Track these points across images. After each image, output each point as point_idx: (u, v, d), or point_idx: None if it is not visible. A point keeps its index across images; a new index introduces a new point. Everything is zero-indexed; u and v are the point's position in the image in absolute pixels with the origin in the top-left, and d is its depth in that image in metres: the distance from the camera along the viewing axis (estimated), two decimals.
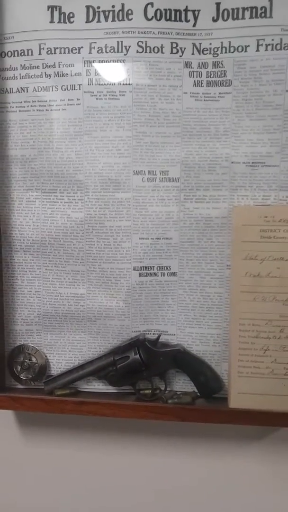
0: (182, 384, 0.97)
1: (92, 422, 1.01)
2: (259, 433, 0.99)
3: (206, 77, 0.89)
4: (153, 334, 0.97)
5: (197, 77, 0.89)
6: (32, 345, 0.99)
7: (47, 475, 1.06)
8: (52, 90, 0.91)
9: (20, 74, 0.92)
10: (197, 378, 0.94)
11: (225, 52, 0.88)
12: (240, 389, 0.91)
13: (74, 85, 0.90)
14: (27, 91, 0.92)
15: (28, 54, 0.91)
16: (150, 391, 0.96)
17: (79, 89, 0.90)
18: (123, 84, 0.89)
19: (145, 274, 0.95)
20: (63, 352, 0.99)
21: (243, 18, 0.86)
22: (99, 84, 0.90)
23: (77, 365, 0.97)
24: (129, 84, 0.89)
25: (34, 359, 0.99)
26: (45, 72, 0.91)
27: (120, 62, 0.89)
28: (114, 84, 0.90)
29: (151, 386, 0.96)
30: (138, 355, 0.93)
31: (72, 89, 0.91)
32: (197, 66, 0.89)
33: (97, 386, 0.99)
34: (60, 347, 0.99)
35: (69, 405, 0.95)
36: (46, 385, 0.97)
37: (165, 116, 0.90)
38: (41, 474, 1.06)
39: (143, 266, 0.95)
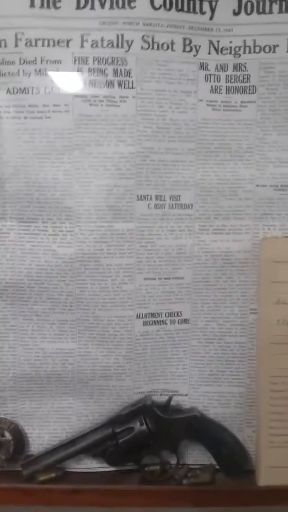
0: (196, 456, 0.79)
1: None
2: None
3: (226, 82, 0.73)
4: (160, 395, 0.78)
5: (214, 81, 0.73)
6: (4, 416, 0.78)
7: None
8: (32, 93, 0.71)
9: None
10: (218, 450, 0.76)
11: (249, 53, 0.72)
12: (273, 462, 0.74)
13: (61, 87, 0.71)
14: None
15: (0, 46, 0.71)
16: (158, 467, 0.77)
17: (68, 92, 0.72)
18: (124, 87, 0.71)
19: (151, 322, 0.77)
20: (46, 423, 0.78)
21: (270, 12, 0.71)
22: (94, 87, 0.71)
23: (65, 440, 0.77)
24: (132, 88, 0.71)
25: (7, 435, 0.77)
26: (23, 70, 0.71)
27: (120, 60, 0.71)
28: (113, 87, 0.71)
29: (160, 460, 0.77)
30: (145, 425, 0.75)
31: (58, 92, 0.71)
32: (215, 69, 0.73)
33: (91, 465, 0.78)
34: (42, 418, 0.78)
35: (58, 495, 0.75)
36: (24, 468, 0.76)
37: (177, 129, 0.73)
38: None
39: (148, 313, 0.76)
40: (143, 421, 0.75)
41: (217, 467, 0.77)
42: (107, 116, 0.72)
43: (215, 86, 0.73)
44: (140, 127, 0.72)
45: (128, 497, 0.75)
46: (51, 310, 0.76)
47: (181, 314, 0.77)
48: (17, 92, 0.72)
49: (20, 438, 0.78)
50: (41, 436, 0.79)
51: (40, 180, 0.73)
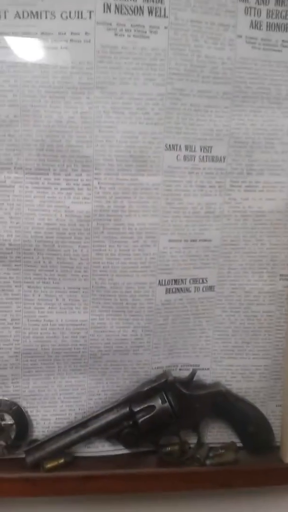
0: (216, 434, 0.73)
1: (99, 500, 0.72)
2: None
3: (267, 18, 0.64)
4: (180, 370, 0.71)
5: (255, 15, 0.63)
6: (4, 397, 0.68)
7: None
8: (47, 17, 0.59)
9: None
10: (244, 428, 0.70)
11: None
12: None
13: (82, 11, 0.59)
14: (5, 17, 0.59)
15: None
16: (177, 447, 0.70)
17: (89, 17, 0.60)
18: (155, 15, 0.61)
19: (173, 290, 0.68)
20: (52, 404, 0.69)
21: None
22: (121, 13, 0.60)
23: (74, 422, 0.68)
24: (165, 16, 0.61)
25: (8, 418, 0.68)
26: None
27: None
28: (143, 14, 0.60)
29: (179, 440, 0.70)
30: (167, 403, 0.67)
31: (77, 17, 0.59)
32: (256, 1, 0.63)
33: (102, 448, 0.70)
34: (48, 398, 0.69)
35: (68, 484, 0.66)
36: (28, 455, 0.67)
37: (213, 68, 0.63)
38: None
39: (172, 280, 0.68)
40: (165, 399, 0.67)
41: (239, 444, 0.72)
42: (135, 48, 0.61)
43: (255, 21, 0.64)
44: (172, 64, 0.62)
45: (145, 482, 0.67)
46: (61, 276, 0.65)
47: (206, 280, 0.69)
48: (27, 16, 0.59)
49: (22, 422, 0.68)
50: (47, 418, 0.69)
51: (53, 123, 0.61)
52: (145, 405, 0.67)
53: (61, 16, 0.59)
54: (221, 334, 0.71)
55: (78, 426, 0.68)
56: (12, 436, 0.68)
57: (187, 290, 0.69)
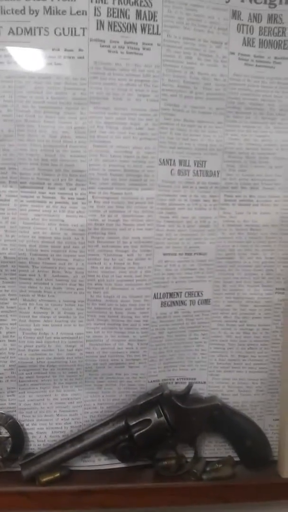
0: (213, 448, 0.72)
1: None
2: None
3: (259, 35, 0.65)
4: (176, 383, 0.71)
5: (247, 33, 0.65)
6: (0, 411, 0.68)
7: None
8: (40, 34, 0.61)
9: None
10: (240, 442, 0.70)
11: (286, 3, 0.64)
12: None
13: (75, 28, 0.61)
14: None
15: None
16: (174, 461, 0.70)
17: (83, 34, 0.61)
18: (148, 33, 0.62)
19: (169, 303, 0.68)
20: (48, 417, 0.69)
21: None
22: (114, 30, 0.61)
23: (70, 436, 0.68)
24: (157, 33, 0.62)
25: (3, 432, 0.68)
26: (30, 7, 0.60)
27: (145, 0, 0.61)
28: (136, 32, 0.62)
29: (176, 454, 0.70)
30: (163, 417, 0.67)
31: (71, 35, 0.61)
32: (248, 19, 0.64)
33: (98, 462, 0.70)
34: (44, 411, 0.69)
35: (64, 498, 0.66)
36: (24, 468, 0.67)
37: (206, 84, 0.64)
38: None
39: (167, 293, 0.68)
40: (161, 412, 0.67)
41: (237, 459, 0.71)
42: (128, 65, 0.62)
43: (247, 38, 0.65)
44: (165, 80, 0.63)
45: (143, 496, 0.67)
46: (56, 289, 0.66)
47: (202, 294, 0.69)
48: (21, 33, 0.61)
49: (18, 435, 0.68)
50: (43, 431, 0.69)
51: (47, 138, 0.62)
52: (141, 419, 0.67)
53: (55, 32, 0.61)
54: (217, 347, 0.71)
55: (73, 440, 0.67)
56: (8, 449, 0.68)
57: (183, 303, 0.69)
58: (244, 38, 0.65)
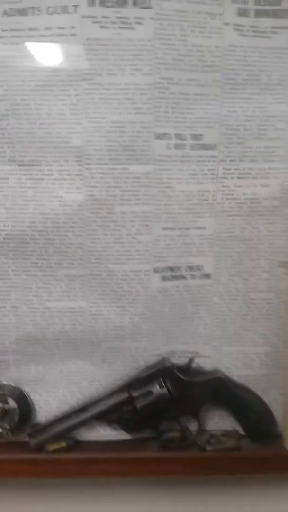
0: (217, 421, 0.73)
1: (99, 484, 0.74)
2: None
3: (254, 5, 0.64)
4: (179, 357, 0.72)
5: (242, 3, 0.63)
6: (8, 382, 0.71)
7: None
8: (33, 14, 0.62)
9: None
10: (244, 415, 0.70)
11: None
12: None
13: (67, 6, 0.61)
14: None
15: None
16: (178, 434, 0.71)
17: (75, 12, 0.62)
18: (140, 7, 0.62)
19: (169, 277, 0.69)
20: (54, 389, 0.71)
21: None
22: (105, 6, 0.62)
23: (76, 407, 0.70)
24: (149, 7, 0.62)
25: (12, 402, 0.70)
26: None
27: None
28: (127, 6, 0.62)
29: (180, 427, 0.71)
30: (165, 388, 0.68)
31: (63, 12, 0.62)
32: None
33: (103, 433, 0.72)
34: (50, 383, 0.71)
35: (70, 466, 0.68)
36: (32, 438, 0.69)
37: (200, 56, 0.64)
38: None
39: (167, 267, 0.69)
40: (163, 384, 0.68)
41: (242, 432, 0.71)
42: (121, 40, 0.62)
43: (242, 8, 0.64)
44: (159, 54, 0.63)
45: (147, 466, 0.68)
46: (58, 264, 0.68)
47: (202, 268, 0.70)
48: (14, 14, 0.62)
49: (26, 406, 0.71)
50: (49, 403, 0.72)
51: (43, 116, 0.64)
52: (144, 391, 0.69)
53: (47, 11, 0.62)
54: (219, 321, 0.71)
55: (79, 411, 0.69)
56: (16, 420, 0.70)
57: (183, 277, 0.70)
58: (239, 9, 0.63)
